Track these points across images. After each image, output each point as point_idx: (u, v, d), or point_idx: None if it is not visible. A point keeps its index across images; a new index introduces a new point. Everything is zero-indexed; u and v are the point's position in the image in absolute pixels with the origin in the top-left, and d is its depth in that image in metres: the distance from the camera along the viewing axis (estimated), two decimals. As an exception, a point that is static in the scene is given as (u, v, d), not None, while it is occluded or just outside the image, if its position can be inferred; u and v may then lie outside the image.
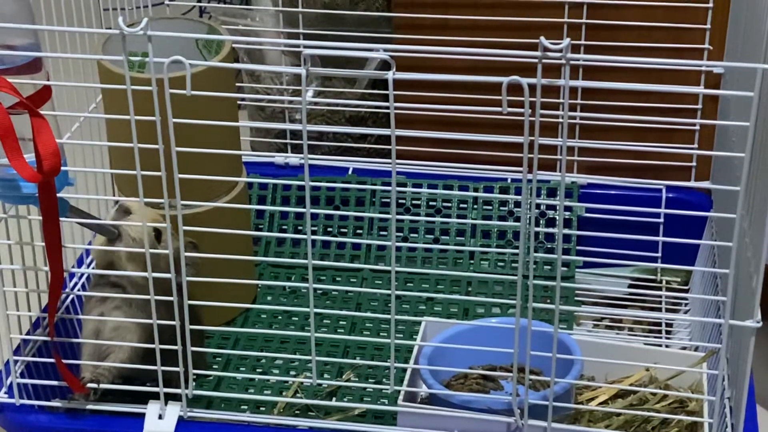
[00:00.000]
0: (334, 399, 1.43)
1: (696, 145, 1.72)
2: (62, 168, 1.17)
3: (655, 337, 1.59)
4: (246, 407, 1.41)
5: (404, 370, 1.37)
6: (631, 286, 1.70)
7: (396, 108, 1.09)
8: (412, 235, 1.73)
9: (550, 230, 1.69)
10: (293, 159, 1.80)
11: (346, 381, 1.46)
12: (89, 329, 1.33)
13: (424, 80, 1.11)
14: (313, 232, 1.72)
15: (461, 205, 1.74)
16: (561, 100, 1.07)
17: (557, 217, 1.68)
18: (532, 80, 1.04)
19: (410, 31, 1.75)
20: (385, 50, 1.08)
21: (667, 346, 1.55)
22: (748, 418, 1.22)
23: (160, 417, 1.27)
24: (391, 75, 1.07)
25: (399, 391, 1.30)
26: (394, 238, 1.16)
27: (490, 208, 1.73)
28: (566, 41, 1.02)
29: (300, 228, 1.74)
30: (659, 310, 1.65)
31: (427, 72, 1.14)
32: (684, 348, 1.53)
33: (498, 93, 1.03)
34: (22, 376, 1.34)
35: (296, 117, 1.86)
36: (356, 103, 1.85)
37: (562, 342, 1.33)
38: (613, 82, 1.12)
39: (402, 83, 1.11)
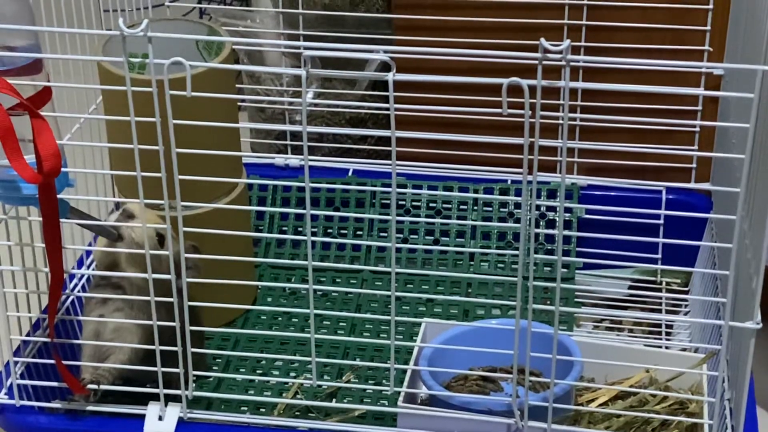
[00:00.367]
0: (334, 400, 1.43)
1: (696, 147, 1.72)
2: (62, 169, 1.17)
3: (655, 338, 1.59)
4: (246, 408, 1.41)
5: (404, 371, 1.37)
6: (631, 287, 1.70)
7: (396, 109, 1.09)
8: (412, 236, 1.73)
9: (550, 231, 1.69)
10: (293, 160, 1.80)
11: (346, 382, 1.46)
12: (89, 330, 1.34)
13: (424, 82, 1.11)
14: (313, 234, 1.72)
15: (461, 207, 1.74)
16: (561, 102, 1.07)
17: (557, 219, 1.68)
18: (532, 82, 1.04)
19: (410, 32, 1.75)
20: (385, 52, 1.08)
21: (667, 348, 1.55)
22: (748, 420, 1.22)
23: (160, 418, 1.27)
24: (391, 76, 1.07)
25: (399, 393, 1.31)
26: (394, 239, 1.16)
27: (490, 209, 1.73)
28: (566, 43, 1.02)
29: (300, 229, 1.74)
30: (659, 311, 1.65)
31: (427, 73, 1.14)
32: (684, 349, 1.53)
33: (498, 94, 1.03)
34: (22, 377, 1.34)
35: (296, 118, 1.86)
36: (356, 104, 1.85)
37: (562, 343, 1.32)
38: (613, 83, 1.12)
39: (402, 85, 1.11)
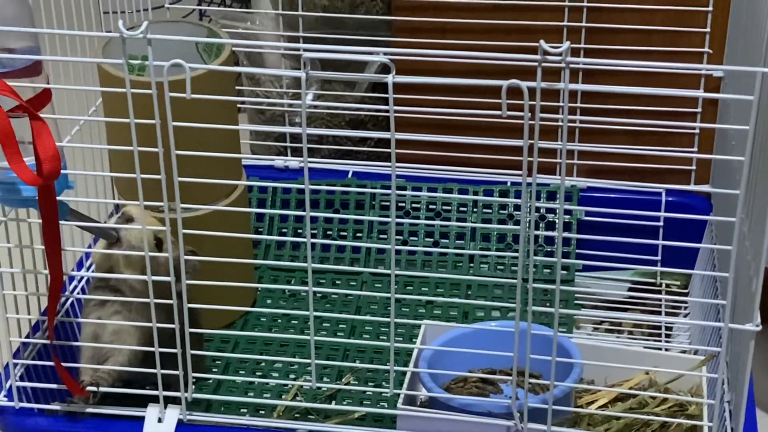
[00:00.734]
0: (333, 402, 1.43)
1: (696, 149, 1.72)
2: (62, 171, 1.17)
3: (655, 340, 1.59)
4: (245, 410, 1.41)
5: (404, 373, 1.37)
6: (630, 289, 1.70)
7: (396, 111, 1.09)
8: (411, 238, 1.73)
9: (550, 233, 1.69)
10: (293, 162, 1.80)
11: (346, 384, 1.46)
12: (88, 333, 1.33)
13: (424, 83, 1.11)
14: (313, 236, 1.72)
15: (461, 209, 1.74)
16: (561, 104, 1.07)
17: (557, 221, 1.68)
18: (532, 83, 1.04)
19: (410, 34, 1.75)
20: (385, 53, 1.08)
21: (666, 350, 1.54)
22: (748, 422, 1.22)
23: (159, 420, 1.27)
24: (390, 78, 1.07)
25: (398, 395, 1.31)
26: (393, 241, 1.16)
27: (490, 211, 1.73)
28: (566, 45, 1.02)
29: (300, 231, 1.74)
30: (659, 313, 1.65)
31: (427, 75, 1.14)
32: (684, 351, 1.53)
33: (498, 96, 1.03)
34: (21, 379, 1.34)
35: (296, 120, 1.86)
36: (356, 106, 1.84)
37: (561, 345, 1.32)
38: (612, 85, 1.12)
39: (401, 86, 1.11)
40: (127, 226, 1.30)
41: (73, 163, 1.33)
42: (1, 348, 1.33)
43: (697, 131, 1.72)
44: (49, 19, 1.41)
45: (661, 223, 1.69)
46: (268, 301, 1.64)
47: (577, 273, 1.70)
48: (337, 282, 1.69)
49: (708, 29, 1.69)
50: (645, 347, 1.53)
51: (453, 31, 1.73)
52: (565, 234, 1.69)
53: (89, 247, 1.48)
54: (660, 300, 1.67)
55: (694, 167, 1.74)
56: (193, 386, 1.27)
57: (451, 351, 1.37)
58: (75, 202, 1.27)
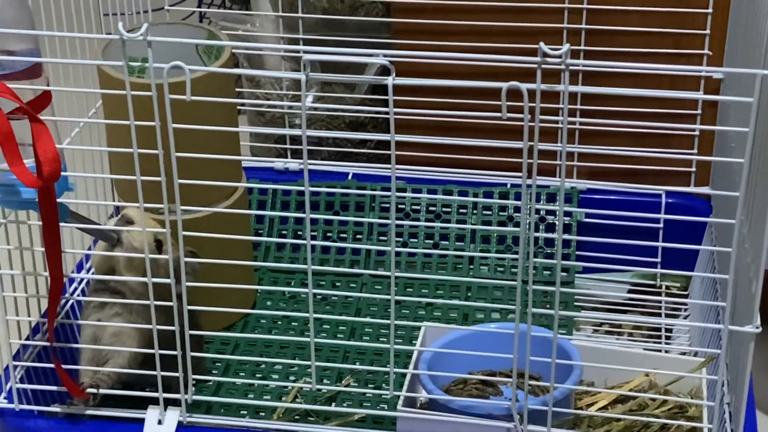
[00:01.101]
0: (333, 404, 1.43)
1: (695, 151, 1.72)
2: (62, 173, 1.17)
3: (655, 342, 1.58)
4: (245, 412, 1.41)
5: (404, 375, 1.37)
6: (630, 291, 1.70)
7: (395, 113, 1.09)
8: (411, 240, 1.73)
9: (550, 235, 1.69)
10: (293, 164, 1.80)
11: (346, 386, 1.46)
12: (87, 335, 1.34)
13: (424, 85, 1.11)
14: (313, 237, 1.72)
15: (461, 210, 1.74)
16: (560, 106, 1.07)
17: (557, 222, 1.68)
18: (532, 86, 1.04)
19: (410, 36, 1.75)
20: (385, 55, 1.08)
21: (666, 352, 1.54)
22: (748, 424, 1.22)
23: (159, 422, 1.27)
24: (390, 80, 1.07)
25: (398, 397, 1.31)
26: (393, 243, 1.16)
27: (490, 213, 1.73)
28: (566, 47, 1.02)
29: (299, 233, 1.74)
30: (659, 315, 1.65)
31: (427, 77, 1.14)
32: (683, 353, 1.52)
33: (497, 98, 1.03)
34: (21, 381, 1.34)
35: (296, 122, 1.87)
36: (356, 108, 1.85)
37: (561, 347, 1.32)
38: (612, 87, 1.12)
39: (401, 88, 1.11)
40: (127, 228, 1.30)
41: (73, 165, 1.33)
42: (1, 350, 1.33)
43: (696, 133, 1.72)
44: (49, 21, 1.41)
45: (660, 225, 1.69)
46: (268, 303, 1.64)
47: (576, 275, 1.70)
48: (337, 284, 1.69)
49: (708, 31, 1.69)
50: (645, 349, 1.53)
51: (453, 33, 1.73)
52: (565, 236, 1.69)
53: (89, 249, 1.48)
54: (660, 302, 1.67)
55: (693, 169, 1.74)
56: (193, 388, 1.27)
57: (451, 353, 1.37)
58: (75, 204, 1.27)
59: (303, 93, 1.09)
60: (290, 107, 1.86)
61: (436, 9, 1.74)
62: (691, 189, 1.73)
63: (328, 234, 1.74)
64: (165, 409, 1.27)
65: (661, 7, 1.69)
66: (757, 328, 1.13)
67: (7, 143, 1.11)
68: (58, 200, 1.19)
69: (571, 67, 1.03)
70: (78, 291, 1.51)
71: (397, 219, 1.72)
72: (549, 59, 1.02)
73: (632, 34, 1.70)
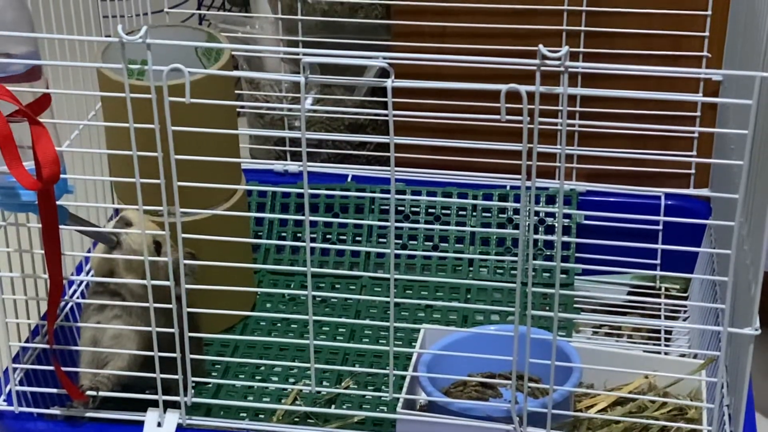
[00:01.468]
0: (333, 406, 1.43)
1: (695, 153, 1.72)
2: (61, 176, 1.17)
3: (654, 344, 1.58)
4: (245, 415, 1.41)
5: (403, 377, 1.37)
6: (630, 293, 1.70)
7: (395, 115, 1.09)
8: (411, 242, 1.73)
9: (549, 237, 1.69)
10: (292, 166, 1.80)
11: (345, 388, 1.46)
12: (87, 337, 1.34)
13: (423, 88, 1.11)
14: (312, 240, 1.72)
15: (460, 213, 1.74)
16: (559, 108, 1.07)
17: (556, 225, 1.68)
18: (531, 88, 1.04)
19: (409, 38, 1.75)
20: (384, 58, 1.08)
21: (666, 354, 1.54)
22: (747, 426, 1.22)
23: (159, 424, 1.27)
24: (389, 82, 1.07)
25: (398, 399, 1.31)
26: (393, 245, 1.16)
27: (489, 215, 1.73)
28: (565, 49, 1.02)
29: (299, 235, 1.74)
30: (658, 317, 1.65)
31: (426, 79, 1.14)
32: (683, 355, 1.53)
33: (497, 100, 1.03)
34: (21, 383, 1.34)
35: (295, 124, 1.87)
36: (355, 110, 1.85)
37: (561, 349, 1.33)
38: (611, 89, 1.12)
39: (401, 91, 1.11)
40: (127, 230, 1.30)
41: (72, 168, 1.33)
42: (1, 352, 1.33)
43: (696, 135, 1.72)
44: (48, 24, 1.41)
45: (660, 227, 1.69)
46: (268, 305, 1.64)
47: (576, 277, 1.70)
48: (337, 286, 1.69)
49: (707, 33, 1.69)
50: (644, 351, 1.53)
51: (452, 36, 1.74)
52: (565, 238, 1.69)
53: (88, 251, 1.48)
54: (659, 304, 1.67)
55: (693, 171, 1.74)
56: (193, 390, 1.27)
57: (451, 355, 1.37)
58: (74, 206, 1.27)
59: (302, 95, 1.09)
60: (290, 109, 1.86)
61: (435, 11, 1.74)
62: (691, 191, 1.73)
63: (328, 236, 1.74)
64: (164, 412, 1.27)
65: (661, 9, 1.69)
66: (757, 330, 1.13)
67: (7, 146, 1.11)
68: (58, 203, 1.19)
69: (570, 70, 1.03)
70: (77, 293, 1.51)
71: (397, 221, 1.72)
72: (548, 61, 1.02)
73: (631, 36, 1.70)
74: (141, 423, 1.27)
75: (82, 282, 1.52)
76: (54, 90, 1.21)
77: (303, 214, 1.15)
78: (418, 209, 1.74)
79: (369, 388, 1.47)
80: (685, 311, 1.66)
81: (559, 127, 1.64)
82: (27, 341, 1.38)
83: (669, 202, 1.71)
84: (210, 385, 1.46)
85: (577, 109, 1.71)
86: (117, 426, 1.29)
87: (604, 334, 1.63)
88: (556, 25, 1.71)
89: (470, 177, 1.75)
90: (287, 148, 1.85)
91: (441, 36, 1.74)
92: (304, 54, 1.09)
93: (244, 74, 1.21)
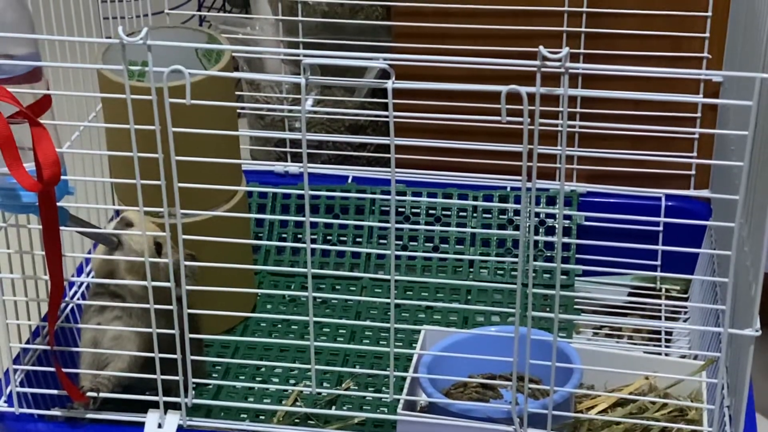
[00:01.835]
0: (333, 408, 1.43)
1: (695, 154, 1.72)
2: (62, 177, 1.17)
3: (655, 345, 1.58)
4: (245, 416, 1.41)
5: (403, 378, 1.37)
6: (630, 294, 1.70)
7: (395, 117, 1.09)
8: (411, 243, 1.73)
9: (550, 239, 1.69)
10: (293, 167, 1.81)
11: (346, 390, 1.46)
12: (87, 339, 1.34)
13: (424, 89, 1.11)
14: (313, 241, 1.72)
15: (460, 214, 1.74)
16: (560, 109, 1.08)
17: (556, 226, 1.68)
18: (531, 89, 1.04)
19: (409, 39, 1.75)
20: (385, 59, 1.08)
21: (666, 355, 1.54)
22: (748, 427, 1.22)
23: (159, 426, 1.27)
24: (390, 84, 1.07)
25: (398, 400, 1.30)
26: (393, 246, 1.16)
27: (490, 216, 1.73)
28: (565, 50, 1.02)
29: (299, 236, 1.74)
30: (659, 318, 1.65)
31: (427, 81, 1.14)
32: (683, 356, 1.53)
33: (497, 101, 1.03)
34: (21, 384, 1.34)
35: (296, 125, 1.87)
36: (356, 111, 1.85)
37: (561, 351, 1.33)
38: (612, 90, 1.12)
39: (401, 92, 1.11)
40: (127, 232, 1.30)
41: (73, 169, 1.33)
42: (2, 353, 1.33)
43: (696, 136, 1.72)
44: (49, 25, 1.41)
45: (660, 228, 1.69)
46: (268, 307, 1.64)
47: (576, 278, 1.70)
48: (337, 287, 1.69)
49: (707, 34, 1.69)
50: (645, 352, 1.53)
51: (452, 37, 1.74)
52: (565, 239, 1.69)
53: (89, 252, 1.48)
54: (660, 305, 1.67)
55: (693, 172, 1.74)
56: (193, 391, 1.27)
57: (451, 356, 1.37)
58: (75, 207, 1.27)
59: (303, 96, 1.09)
60: (290, 110, 1.86)
61: (435, 12, 1.74)
62: (691, 192, 1.73)
63: (328, 237, 1.74)
64: (165, 413, 1.27)
65: (661, 11, 1.69)
66: (757, 331, 1.13)
67: (7, 147, 1.11)
68: (58, 204, 1.19)
69: (570, 71, 1.03)
70: (78, 294, 1.51)
71: (397, 222, 1.72)
72: (548, 62, 1.02)
73: (632, 37, 1.70)
74: (141, 424, 1.27)
75: (82, 283, 1.52)
76: (54, 91, 1.21)
77: (303, 215, 1.15)
78: (418, 210, 1.74)
79: (369, 389, 1.47)
80: (685, 312, 1.66)
81: (559, 129, 1.65)
82: (27, 342, 1.38)
83: (669, 204, 1.71)
84: (210, 387, 1.46)
85: (578, 110, 1.71)
86: (117, 427, 1.29)
87: (605, 335, 1.63)
88: (557, 27, 1.71)
89: (471, 178, 1.75)
90: (288, 150, 1.85)
91: (441, 37, 1.74)
92: (305, 55, 1.09)
93: (244, 75, 1.21)
